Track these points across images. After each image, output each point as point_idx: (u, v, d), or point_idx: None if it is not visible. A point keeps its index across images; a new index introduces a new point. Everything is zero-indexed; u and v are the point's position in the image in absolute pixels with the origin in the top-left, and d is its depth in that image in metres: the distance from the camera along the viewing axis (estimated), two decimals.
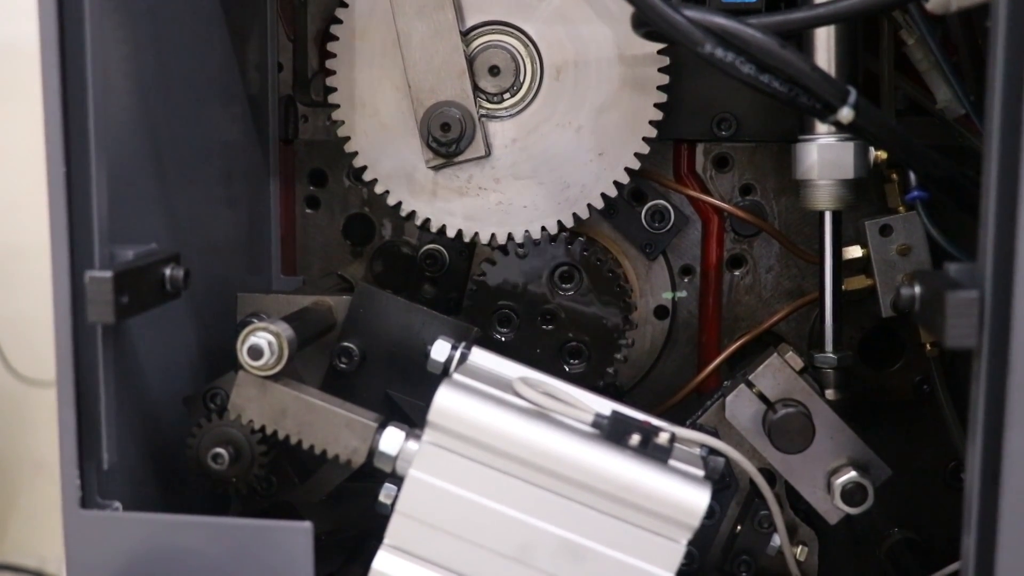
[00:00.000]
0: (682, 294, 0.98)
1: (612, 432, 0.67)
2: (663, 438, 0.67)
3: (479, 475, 0.67)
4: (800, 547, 0.82)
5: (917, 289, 0.64)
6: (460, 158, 0.84)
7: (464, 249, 0.96)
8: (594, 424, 0.68)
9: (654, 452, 0.67)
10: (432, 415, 0.67)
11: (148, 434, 0.76)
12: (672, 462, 0.68)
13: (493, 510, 0.67)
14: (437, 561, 0.68)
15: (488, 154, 0.84)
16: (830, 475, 0.80)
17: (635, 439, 0.67)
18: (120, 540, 0.69)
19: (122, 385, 0.71)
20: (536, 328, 0.90)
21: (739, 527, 0.82)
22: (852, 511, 0.80)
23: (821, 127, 0.83)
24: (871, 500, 0.79)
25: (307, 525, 0.68)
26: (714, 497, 0.82)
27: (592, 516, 0.66)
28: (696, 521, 0.66)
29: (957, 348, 0.59)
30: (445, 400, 0.67)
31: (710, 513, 0.82)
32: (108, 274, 0.65)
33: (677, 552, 0.66)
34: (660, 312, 0.98)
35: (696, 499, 0.65)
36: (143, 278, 0.69)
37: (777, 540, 0.81)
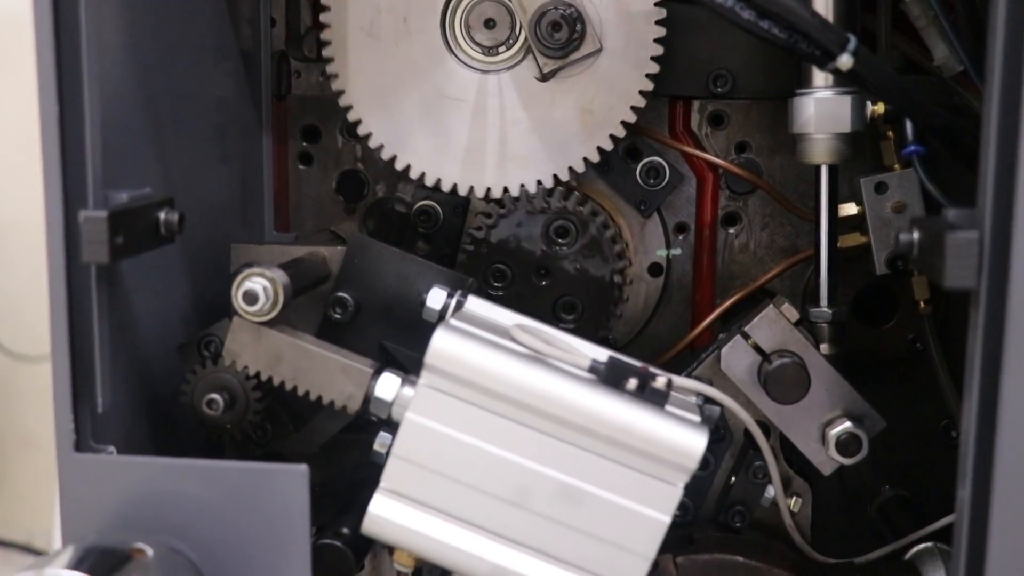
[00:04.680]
0: (676, 252, 0.98)
1: (609, 376, 0.67)
2: (660, 382, 0.67)
3: (476, 418, 0.67)
4: (794, 498, 0.82)
5: (916, 234, 0.64)
6: (575, 55, 0.83)
7: (458, 205, 0.96)
8: (591, 369, 0.68)
9: (651, 396, 0.67)
10: (429, 357, 0.67)
11: (142, 381, 0.76)
12: (669, 407, 0.68)
13: (490, 453, 0.67)
14: (433, 505, 0.68)
15: (601, 48, 0.83)
16: (824, 426, 0.80)
17: (632, 383, 0.67)
18: (114, 483, 0.68)
19: (116, 330, 0.70)
20: (531, 284, 0.90)
21: (733, 478, 0.82)
22: (846, 461, 0.80)
23: (818, 81, 0.83)
24: (865, 451, 0.80)
25: (303, 468, 0.67)
26: (709, 449, 0.82)
27: (589, 459, 0.66)
28: (693, 464, 0.66)
29: (956, 289, 0.59)
30: (442, 342, 0.67)
31: (704, 464, 0.83)
32: (103, 213, 0.64)
33: (674, 495, 0.66)
34: (654, 270, 0.98)
35: (693, 442, 0.65)
36: (138, 220, 0.68)
37: (771, 491, 0.81)
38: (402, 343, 0.83)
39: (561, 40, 0.81)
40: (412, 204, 0.96)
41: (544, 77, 0.83)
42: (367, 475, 0.72)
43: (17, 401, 2.48)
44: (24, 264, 2.35)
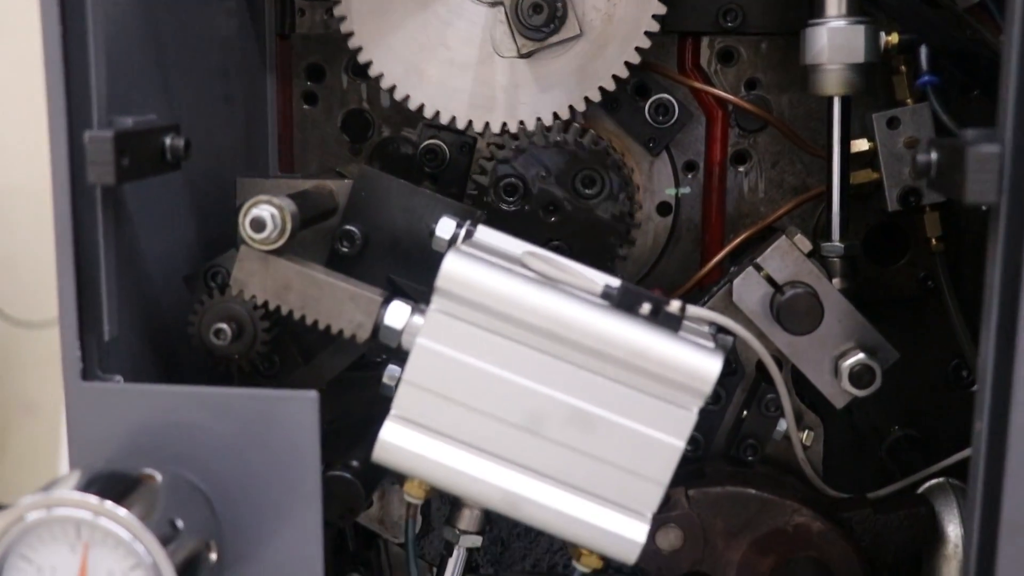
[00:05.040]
0: (685, 190, 0.97)
1: (622, 301, 0.66)
2: (674, 307, 0.66)
3: (488, 343, 0.66)
4: (806, 432, 0.82)
5: (933, 154, 0.63)
6: (555, 39, 0.81)
7: (465, 144, 0.94)
8: (604, 295, 0.67)
9: (665, 321, 0.66)
10: (440, 281, 0.66)
11: (148, 312, 0.75)
12: (683, 333, 0.67)
13: (502, 378, 0.66)
14: (445, 431, 0.67)
15: (582, 33, 0.82)
16: (837, 358, 0.79)
17: (646, 308, 0.66)
18: (122, 412, 0.68)
19: (122, 258, 0.69)
20: (540, 220, 0.89)
21: (745, 412, 0.81)
22: (859, 393, 0.79)
23: (831, 10, 0.82)
24: (879, 382, 0.79)
25: (312, 394, 0.67)
26: (720, 383, 0.81)
27: (603, 384, 0.66)
28: (708, 387, 0.65)
29: (976, 204, 0.59)
30: (453, 265, 0.66)
31: (715, 399, 0.82)
32: (109, 133, 0.63)
33: (689, 420, 0.66)
34: (663, 209, 0.97)
35: (708, 365, 0.65)
36: (143, 144, 0.67)
37: (784, 424, 0.81)
38: (410, 278, 0.82)
39: (538, 23, 0.80)
40: (418, 143, 0.95)
41: (522, 55, 0.82)
42: (375, 411, 0.71)
43: (18, 368, 2.47)
44: (24, 230, 2.34)
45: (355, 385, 0.85)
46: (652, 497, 0.67)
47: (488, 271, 0.66)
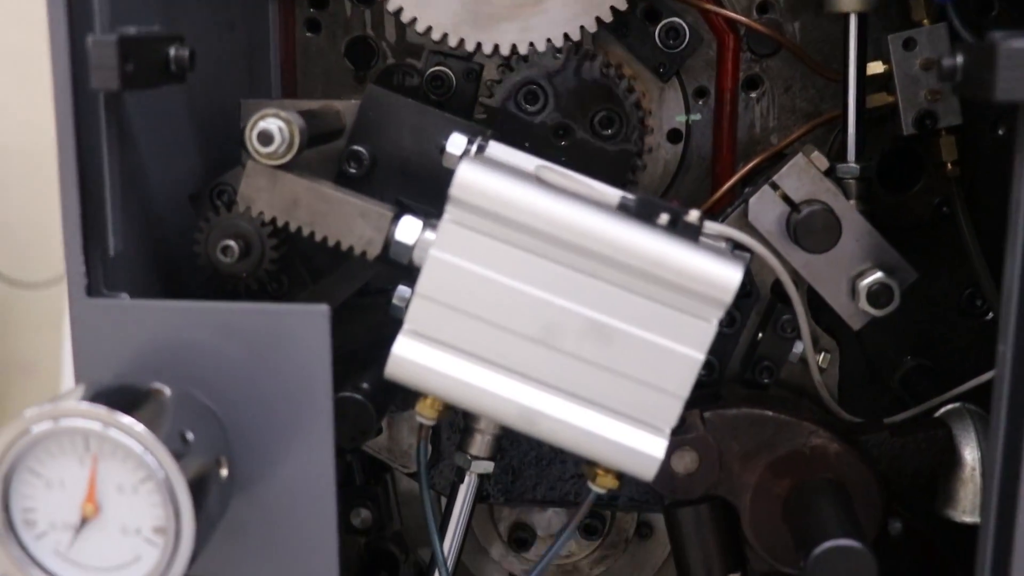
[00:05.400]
0: (696, 117, 0.95)
1: (640, 211, 0.65)
2: (692, 217, 0.65)
3: (503, 254, 0.64)
4: (823, 354, 0.81)
5: (959, 58, 0.61)
6: None
7: (471, 70, 0.93)
8: (620, 206, 0.66)
9: (684, 230, 0.65)
10: (454, 190, 0.64)
11: (154, 230, 0.73)
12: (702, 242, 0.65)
13: (517, 290, 0.65)
14: (459, 345, 0.66)
15: None
16: (855, 279, 0.78)
17: (664, 218, 0.65)
18: (128, 328, 0.66)
19: (126, 172, 0.68)
20: (549, 143, 0.87)
21: (760, 335, 0.80)
22: (877, 313, 0.78)
23: None
24: (897, 302, 0.78)
25: (324, 308, 0.65)
26: (735, 305, 0.80)
27: (621, 295, 0.64)
28: (729, 297, 0.63)
29: (1006, 102, 0.57)
30: (468, 173, 0.64)
31: (730, 321, 0.81)
32: (112, 37, 0.61)
33: (709, 332, 0.64)
34: (673, 136, 0.95)
35: (729, 273, 0.63)
36: (147, 51, 0.65)
37: (799, 347, 0.79)
38: (419, 200, 0.80)
39: None
40: (424, 71, 0.93)
41: None
42: (384, 336, 0.70)
43: (15, 329, 2.46)
44: (20, 191, 2.32)
45: (363, 311, 0.83)
46: (670, 411, 0.65)
47: (503, 179, 0.64)
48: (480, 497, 0.84)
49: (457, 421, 0.86)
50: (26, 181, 2.29)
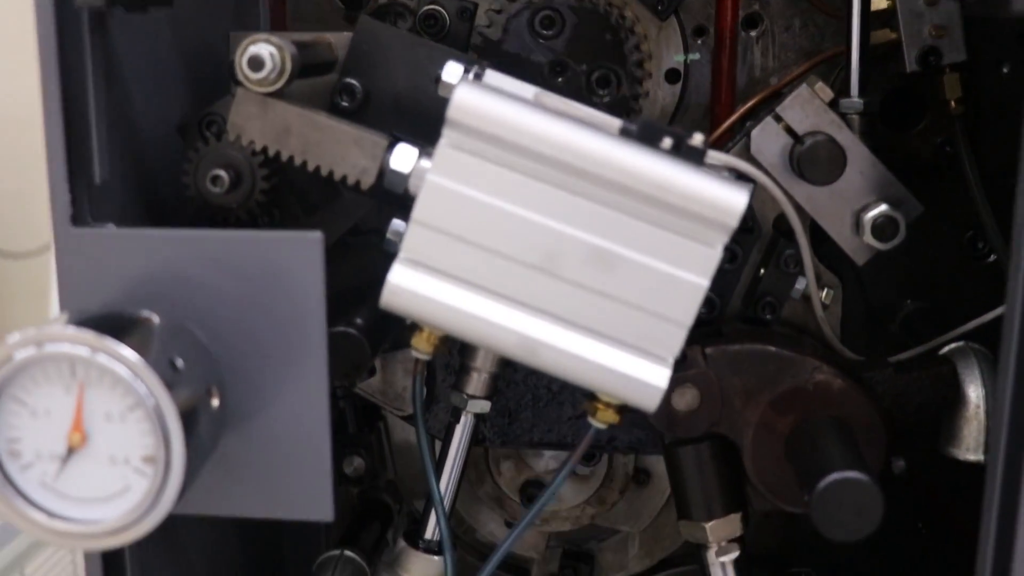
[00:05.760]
0: (695, 56, 0.93)
1: (643, 135, 0.63)
2: (696, 140, 0.63)
3: (502, 178, 0.62)
4: (825, 290, 0.79)
5: None
6: None
7: (465, 9, 0.90)
8: (622, 131, 0.64)
9: (688, 154, 0.63)
10: (452, 112, 0.62)
11: (141, 162, 0.71)
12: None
13: (517, 216, 0.63)
14: (457, 273, 0.64)
15: None
16: (859, 212, 0.76)
17: (667, 142, 0.63)
18: (115, 259, 0.64)
19: (112, 99, 0.65)
20: (544, 79, 0.85)
21: (762, 271, 0.78)
22: (882, 246, 0.76)
23: None
24: (903, 235, 0.76)
25: (317, 235, 0.63)
26: (736, 241, 0.79)
27: (623, 221, 0.62)
28: (734, 221, 0.62)
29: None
30: (466, 95, 0.62)
31: (731, 257, 0.79)
32: None
33: (713, 257, 0.63)
34: (671, 76, 0.93)
35: (735, 197, 0.61)
36: None
37: (803, 282, 0.78)
38: (413, 134, 0.78)
39: None
40: (416, 10, 0.91)
41: None
42: (378, 274, 0.68)
43: (4, 299, 2.43)
44: (6, 160, 2.29)
45: (356, 250, 0.81)
46: (674, 340, 0.64)
47: (502, 102, 0.62)
48: (476, 440, 0.83)
49: (452, 362, 0.84)
50: (12, 150, 2.26)
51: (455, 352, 0.83)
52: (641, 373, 0.64)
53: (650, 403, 0.65)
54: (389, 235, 0.68)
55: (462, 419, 0.78)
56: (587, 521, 0.98)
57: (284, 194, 0.74)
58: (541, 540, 1.01)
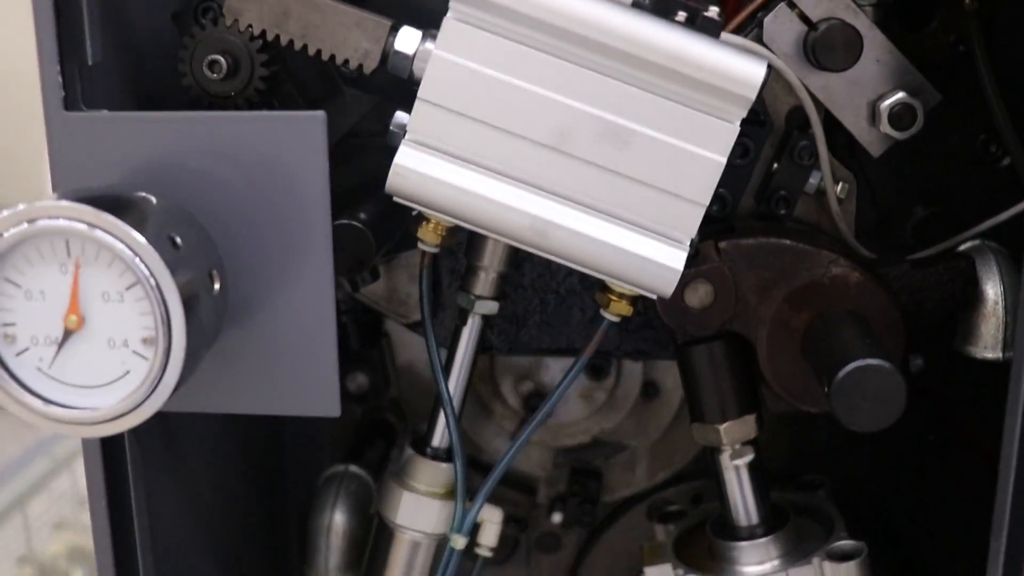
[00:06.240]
0: None
1: (657, 7, 0.61)
2: (712, 12, 0.61)
3: (512, 52, 0.60)
4: (840, 184, 0.77)
5: None
6: None
7: None
8: (635, 3, 0.61)
9: (704, 26, 0.60)
10: None
11: (134, 50, 0.68)
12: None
13: (527, 92, 0.60)
14: (465, 154, 0.62)
15: None
16: (875, 101, 0.74)
17: (682, 15, 0.61)
18: (110, 144, 0.62)
19: None
20: None
21: (775, 165, 0.76)
22: (899, 135, 0.74)
23: None
24: (920, 123, 0.74)
25: (320, 114, 0.61)
26: (747, 135, 0.77)
27: (637, 96, 0.60)
28: (753, 94, 0.60)
29: None
30: None
31: (743, 152, 0.77)
32: None
33: (731, 133, 0.60)
34: None
35: (753, 69, 0.59)
36: None
37: (817, 176, 0.76)
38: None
39: None
40: None
41: None
42: (380, 176, 0.66)
43: None
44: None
45: (357, 152, 0.79)
46: (691, 220, 0.62)
47: None
48: (483, 348, 0.81)
49: (458, 267, 0.82)
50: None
51: (461, 255, 0.81)
52: (656, 255, 0.62)
53: (666, 287, 0.63)
54: (392, 127, 0.66)
55: (469, 321, 0.76)
56: (595, 434, 0.96)
57: (284, 83, 0.72)
58: (548, 457, 0.99)
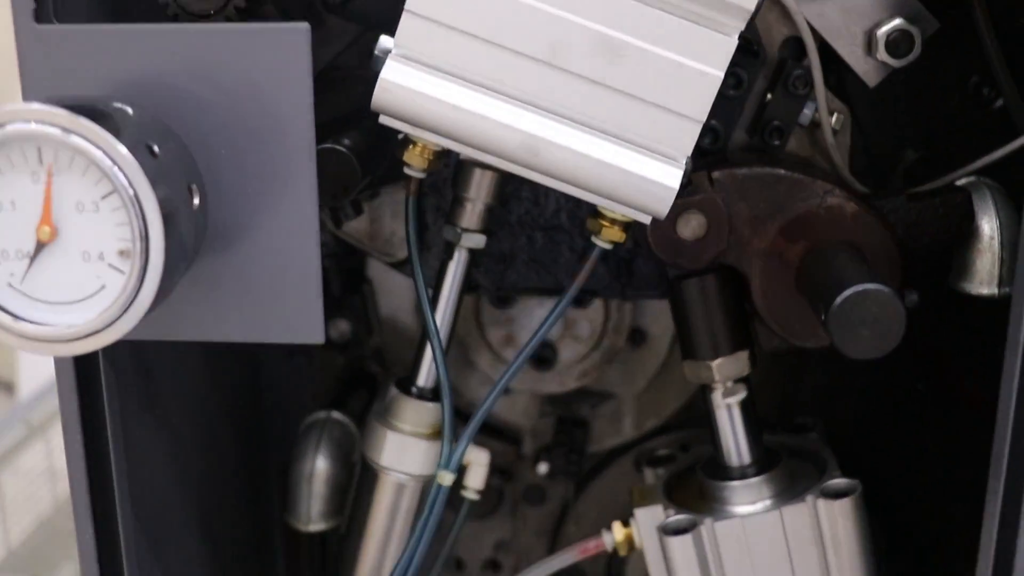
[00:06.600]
0: None
1: None
2: None
3: None
4: (835, 115, 0.75)
5: None
6: None
7: None
8: None
9: None
10: None
11: None
12: None
13: (519, 2, 0.58)
14: (454, 69, 0.60)
15: None
16: (871, 30, 0.73)
17: None
18: (84, 58, 0.59)
19: None
20: None
21: (768, 96, 0.74)
22: (896, 63, 0.73)
23: None
24: (918, 51, 0.73)
25: (303, 26, 0.59)
26: (740, 64, 0.75)
27: (633, 6, 0.58)
28: (752, 4, 0.58)
29: None
30: None
31: (736, 83, 0.75)
32: None
33: (728, 46, 0.59)
34: None
35: None
36: None
37: (811, 107, 0.74)
38: None
39: None
40: None
41: None
42: (363, 106, 0.63)
43: None
44: None
45: (340, 83, 0.77)
46: (686, 137, 0.60)
47: None
48: (470, 287, 0.79)
49: (443, 204, 0.80)
50: None
51: (447, 191, 0.79)
52: (651, 173, 0.60)
53: (661, 206, 0.61)
54: (377, 52, 0.63)
55: (455, 255, 0.74)
56: (580, 382, 0.94)
57: (265, 5, 0.69)
58: (533, 406, 0.97)
